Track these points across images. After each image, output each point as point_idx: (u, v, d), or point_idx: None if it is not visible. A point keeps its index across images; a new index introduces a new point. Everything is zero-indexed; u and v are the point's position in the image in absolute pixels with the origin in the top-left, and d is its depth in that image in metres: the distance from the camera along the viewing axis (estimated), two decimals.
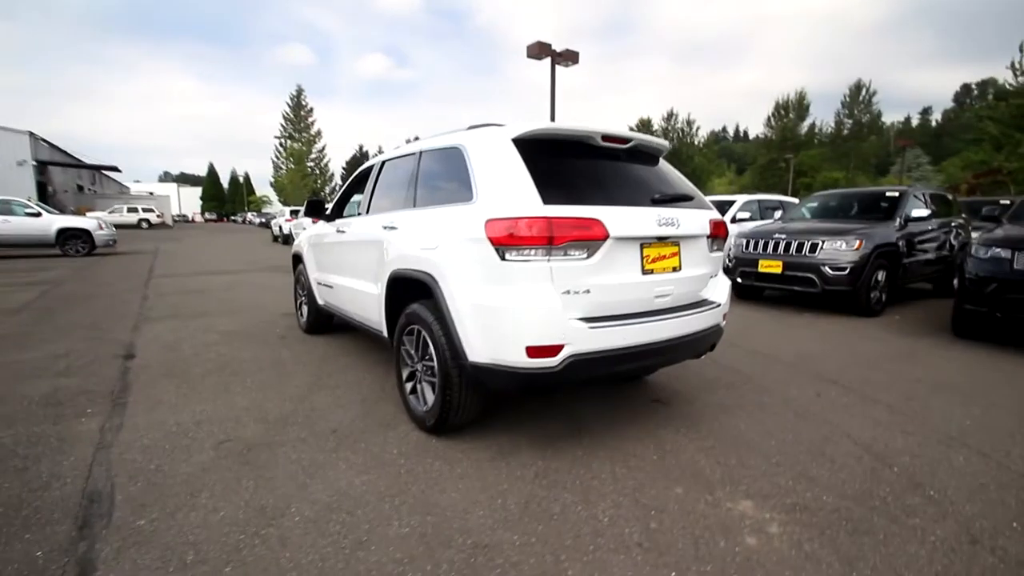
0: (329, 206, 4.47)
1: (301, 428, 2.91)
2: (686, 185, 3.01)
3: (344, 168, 68.73)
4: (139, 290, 8.05)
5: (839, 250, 6.24)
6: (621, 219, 2.38)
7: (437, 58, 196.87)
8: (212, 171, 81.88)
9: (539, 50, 15.63)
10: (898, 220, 6.74)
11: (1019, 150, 27.19)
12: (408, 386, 2.97)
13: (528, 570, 1.76)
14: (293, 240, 21.62)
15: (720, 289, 2.99)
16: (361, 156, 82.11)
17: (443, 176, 2.86)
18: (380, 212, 3.45)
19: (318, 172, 44.46)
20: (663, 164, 3.02)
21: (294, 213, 22.67)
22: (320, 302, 4.77)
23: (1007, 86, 29.82)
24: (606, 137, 2.63)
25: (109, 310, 6.41)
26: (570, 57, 16.27)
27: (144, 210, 37.00)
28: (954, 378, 3.93)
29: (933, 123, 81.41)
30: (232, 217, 73.26)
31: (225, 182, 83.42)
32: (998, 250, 4.79)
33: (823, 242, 6.34)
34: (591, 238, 2.29)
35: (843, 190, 8.59)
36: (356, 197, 4.51)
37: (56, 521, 2.00)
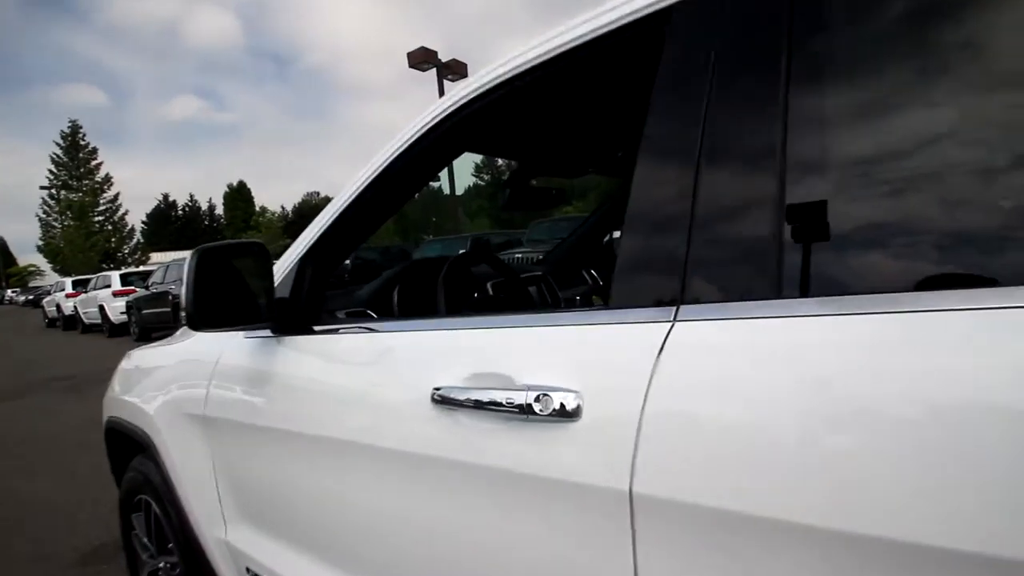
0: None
1: None
2: None
3: (144, 223, 54.39)
4: None
5: None
6: None
7: (260, 100, 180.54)
8: None
9: (423, 57, 12.97)
10: None
11: None
12: None
13: None
14: (79, 323, 14.97)
15: None
16: (166, 207, 68.29)
17: None
18: None
19: (111, 228, 34.50)
20: None
21: (79, 285, 16.05)
22: None
23: None
24: None
25: None
26: (457, 69, 13.86)
27: None
28: None
29: None
30: None
31: None
32: None
33: None
34: None
35: None
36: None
37: None
